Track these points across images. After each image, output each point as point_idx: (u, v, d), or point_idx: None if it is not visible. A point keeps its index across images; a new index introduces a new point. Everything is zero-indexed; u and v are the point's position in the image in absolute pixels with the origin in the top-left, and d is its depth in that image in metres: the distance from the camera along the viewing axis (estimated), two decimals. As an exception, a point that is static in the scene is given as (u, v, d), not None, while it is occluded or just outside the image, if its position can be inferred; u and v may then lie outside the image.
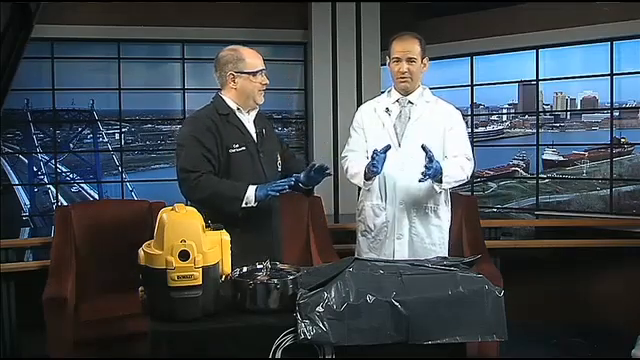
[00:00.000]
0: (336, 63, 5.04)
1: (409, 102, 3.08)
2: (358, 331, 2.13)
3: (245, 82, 2.80)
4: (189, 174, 2.69)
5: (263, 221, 2.82)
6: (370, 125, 3.10)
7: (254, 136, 2.85)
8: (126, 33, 4.86)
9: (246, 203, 2.69)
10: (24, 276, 3.88)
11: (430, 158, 2.78)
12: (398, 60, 3.02)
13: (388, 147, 2.85)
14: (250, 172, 2.78)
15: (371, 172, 2.91)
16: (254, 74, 2.80)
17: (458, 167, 2.99)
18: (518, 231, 4.93)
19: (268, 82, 2.86)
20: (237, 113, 2.83)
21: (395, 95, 3.11)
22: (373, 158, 2.84)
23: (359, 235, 3.20)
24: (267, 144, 2.90)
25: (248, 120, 2.86)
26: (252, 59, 2.82)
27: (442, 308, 2.20)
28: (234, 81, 2.81)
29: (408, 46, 3.01)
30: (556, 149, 4.98)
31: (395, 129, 3.05)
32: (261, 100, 2.86)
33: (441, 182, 2.91)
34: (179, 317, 2.13)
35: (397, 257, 2.97)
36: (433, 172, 2.80)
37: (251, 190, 2.69)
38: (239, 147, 2.77)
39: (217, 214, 2.51)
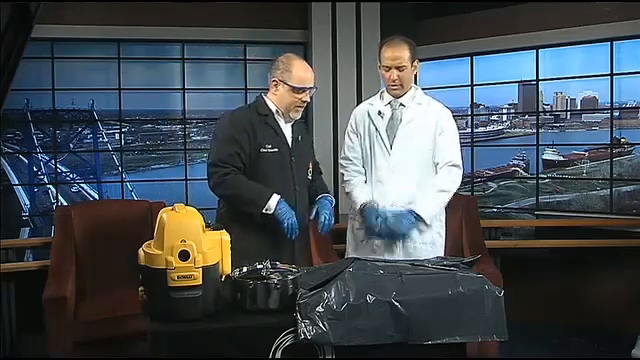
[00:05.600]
0: (336, 63, 5.04)
1: (401, 104, 3.09)
2: (358, 331, 2.14)
3: (285, 93, 2.82)
4: (218, 169, 2.74)
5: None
6: (363, 129, 3.13)
7: (289, 140, 2.88)
8: (126, 33, 4.85)
9: (266, 210, 2.72)
10: (24, 276, 3.88)
11: (378, 216, 2.95)
12: (388, 69, 3.02)
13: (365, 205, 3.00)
14: (278, 174, 2.82)
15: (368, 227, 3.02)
16: (296, 89, 2.81)
17: (434, 194, 3.01)
18: (518, 231, 4.93)
19: (309, 100, 2.89)
20: (276, 115, 2.86)
21: (387, 97, 3.12)
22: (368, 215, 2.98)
23: (349, 233, 3.21)
24: (301, 151, 2.93)
25: (285, 124, 2.88)
26: (300, 74, 2.82)
27: (442, 308, 2.20)
28: (276, 87, 2.84)
29: (397, 53, 3.00)
30: (556, 149, 4.97)
31: (387, 132, 3.06)
32: (296, 116, 2.89)
33: (424, 221, 2.97)
34: (179, 317, 2.13)
35: (387, 257, 2.96)
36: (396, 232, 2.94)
37: (274, 200, 2.72)
38: (272, 148, 2.80)
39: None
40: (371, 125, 3.10)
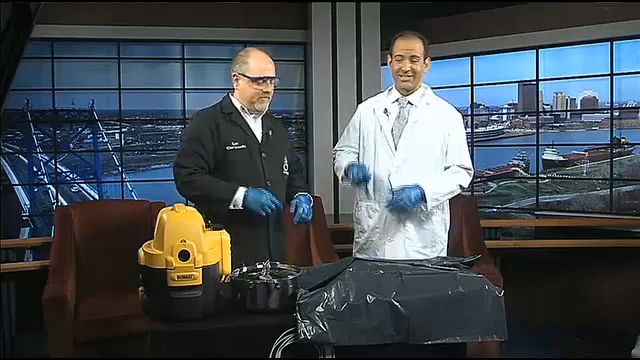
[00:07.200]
0: (336, 63, 5.05)
1: (409, 103, 3.03)
2: (358, 331, 2.13)
3: (245, 85, 2.79)
4: (181, 169, 2.74)
5: (258, 223, 2.76)
6: (368, 127, 3.06)
7: (258, 136, 2.84)
8: (126, 33, 4.86)
9: (234, 205, 2.68)
10: (24, 276, 3.88)
11: (393, 192, 2.86)
12: (401, 58, 2.97)
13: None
14: (247, 170, 2.77)
15: (353, 178, 2.94)
16: (254, 80, 2.77)
17: (446, 182, 2.97)
18: (518, 231, 4.93)
19: (271, 90, 2.82)
20: (241, 112, 2.83)
21: (395, 94, 3.05)
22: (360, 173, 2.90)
23: (355, 235, 3.18)
24: (272, 146, 2.88)
25: (253, 119, 2.85)
26: (257, 64, 2.78)
27: (442, 308, 2.20)
28: (237, 82, 2.82)
29: (411, 44, 2.97)
30: (556, 149, 4.98)
31: (392, 132, 3.00)
32: (261, 107, 2.82)
33: (425, 201, 2.89)
34: (179, 317, 2.13)
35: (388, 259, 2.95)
36: (402, 203, 2.84)
37: (240, 193, 2.68)
38: (238, 145, 2.77)
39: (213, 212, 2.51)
40: (377, 124, 3.03)
